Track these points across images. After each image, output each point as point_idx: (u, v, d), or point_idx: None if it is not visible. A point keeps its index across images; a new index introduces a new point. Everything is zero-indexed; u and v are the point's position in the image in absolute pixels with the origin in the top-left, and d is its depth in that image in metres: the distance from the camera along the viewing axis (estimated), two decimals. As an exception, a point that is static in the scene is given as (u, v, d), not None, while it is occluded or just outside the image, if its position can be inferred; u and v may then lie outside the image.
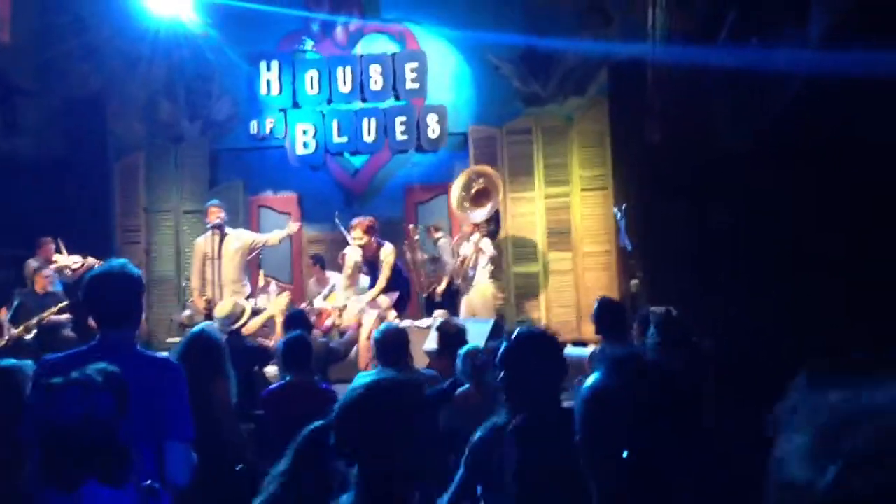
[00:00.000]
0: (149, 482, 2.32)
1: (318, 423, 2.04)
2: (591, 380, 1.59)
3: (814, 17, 5.68)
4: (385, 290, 8.42)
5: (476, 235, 9.18)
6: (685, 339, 4.53)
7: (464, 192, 9.50)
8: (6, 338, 8.17)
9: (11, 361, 3.15)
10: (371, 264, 8.49)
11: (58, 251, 9.08)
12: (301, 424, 2.06)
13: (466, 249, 9.14)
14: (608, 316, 5.50)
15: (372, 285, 8.52)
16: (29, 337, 8.25)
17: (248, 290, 8.92)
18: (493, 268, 9.19)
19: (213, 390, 4.05)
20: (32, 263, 8.88)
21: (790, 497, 0.82)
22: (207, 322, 5.58)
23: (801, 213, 5.81)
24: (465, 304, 9.14)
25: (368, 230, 8.39)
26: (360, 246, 8.36)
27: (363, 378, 1.90)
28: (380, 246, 8.48)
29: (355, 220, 8.57)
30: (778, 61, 5.89)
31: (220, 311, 6.86)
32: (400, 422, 1.83)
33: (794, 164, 5.81)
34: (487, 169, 9.80)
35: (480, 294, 9.06)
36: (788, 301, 5.81)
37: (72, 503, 2.19)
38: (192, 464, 2.80)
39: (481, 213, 9.34)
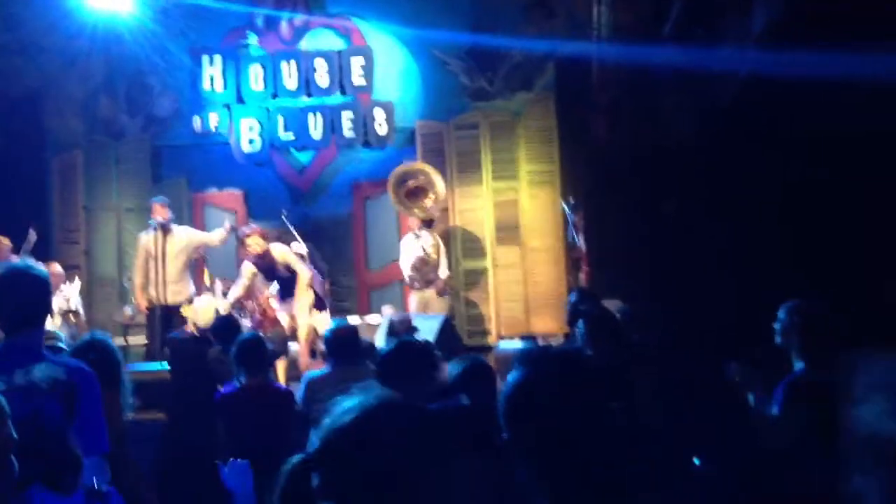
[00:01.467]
0: (94, 482, 2.23)
1: (298, 458, 1.54)
2: (510, 376, 1.58)
3: (755, 14, 5.78)
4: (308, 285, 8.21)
5: (425, 233, 9.15)
6: (615, 334, 4.54)
7: (398, 189, 9.43)
8: None
9: None
10: (268, 270, 8.24)
11: (15, 252, 8.74)
12: (263, 427, 1.93)
13: (425, 243, 9.08)
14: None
15: (284, 287, 8.29)
16: None
17: (190, 289, 8.75)
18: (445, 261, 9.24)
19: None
20: None
21: (876, 444, 1.19)
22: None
23: (747, 205, 5.92)
24: (417, 300, 9.10)
25: (264, 236, 8.16)
26: (258, 252, 8.11)
27: (354, 400, 1.47)
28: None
29: (248, 229, 8.26)
30: (721, 56, 5.99)
31: (203, 317, 6.63)
32: (407, 457, 1.41)
33: (739, 157, 5.91)
34: (423, 166, 9.76)
35: (437, 290, 9.09)
36: (734, 291, 5.91)
37: None
38: (107, 479, 2.69)
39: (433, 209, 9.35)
